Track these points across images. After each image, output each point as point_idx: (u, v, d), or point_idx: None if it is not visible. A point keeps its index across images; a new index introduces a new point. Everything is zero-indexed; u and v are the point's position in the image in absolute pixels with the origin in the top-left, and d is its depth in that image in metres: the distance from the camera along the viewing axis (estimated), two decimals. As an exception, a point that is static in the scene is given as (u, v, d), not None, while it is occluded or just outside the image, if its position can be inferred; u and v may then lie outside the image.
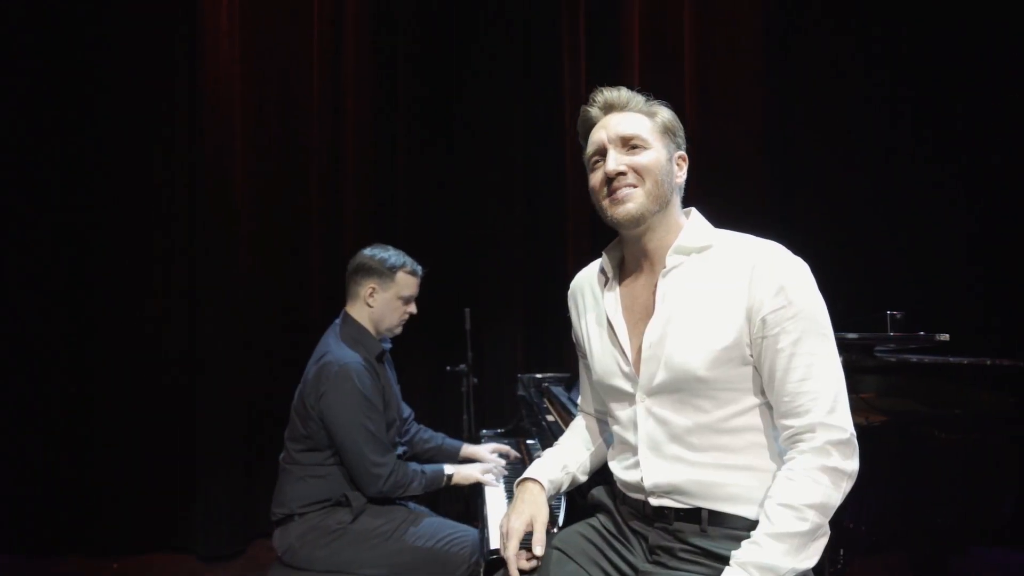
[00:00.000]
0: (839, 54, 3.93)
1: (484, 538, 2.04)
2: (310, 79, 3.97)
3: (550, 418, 2.48)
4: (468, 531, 2.38)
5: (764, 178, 3.93)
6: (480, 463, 2.60)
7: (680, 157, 1.52)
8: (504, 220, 4.10)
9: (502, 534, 1.53)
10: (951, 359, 2.43)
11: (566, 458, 1.68)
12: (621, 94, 1.51)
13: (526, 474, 1.63)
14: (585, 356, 1.67)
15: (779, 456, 1.39)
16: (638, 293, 1.52)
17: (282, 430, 2.49)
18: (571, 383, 2.80)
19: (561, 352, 3.80)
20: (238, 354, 3.79)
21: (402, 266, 2.49)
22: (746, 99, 3.96)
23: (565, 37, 4.11)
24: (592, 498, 1.64)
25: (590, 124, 1.54)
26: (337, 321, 2.54)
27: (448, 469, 2.50)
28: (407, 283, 2.50)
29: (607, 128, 1.48)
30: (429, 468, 2.46)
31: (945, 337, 2.14)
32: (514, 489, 1.63)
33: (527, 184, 4.13)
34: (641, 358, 1.45)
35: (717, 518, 1.38)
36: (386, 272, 2.46)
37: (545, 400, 2.84)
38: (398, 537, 2.33)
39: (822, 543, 1.29)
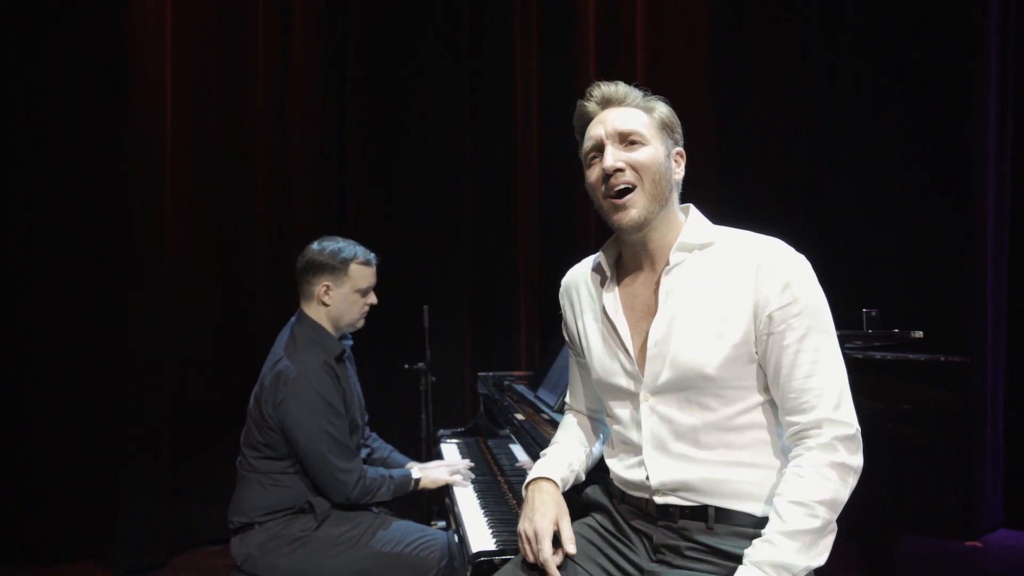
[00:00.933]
0: (786, 37, 4.02)
1: (463, 540, 1.99)
2: (256, 74, 3.80)
3: (520, 417, 2.44)
4: (436, 534, 2.32)
5: (715, 159, 4.00)
6: (445, 463, 2.54)
7: (678, 153, 1.50)
8: (453, 217, 4.04)
9: (527, 537, 1.46)
10: (908, 356, 2.51)
11: (569, 456, 1.64)
12: (619, 89, 1.48)
13: (538, 473, 1.58)
14: (580, 355, 1.64)
15: (782, 452, 1.39)
16: (638, 291, 1.49)
17: (214, 439, 2.37)
18: (534, 382, 2.77)
19: (515, 349, 3.78)
20: (168, 360, 3.60)
21: (354, 257, 2.37)
22: (697, 87, 4.04)
23: (518, 25, 4.08)
24: (586, 497, 1.61)
25: (587, 119, 1.51)
26: (293, 321, 2.43)
27: (415, 472, 2.42)
28: (362, 274, 2.38)
29: (605, 123, 1.45)
30: (396, 472, 2.38)
31: (919, 334, 2.20)
32: (524, 490, 1.58)
33: (477, 179, 4.09)
34: (646, 356, 1.42)
35: (723, 515, 1.37)
36: (338, 266, 2.35)
37: (507, 398, 2.80)
38: (364, 543, 2.24)
39: (831, 540, 1.29)
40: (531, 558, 1.46)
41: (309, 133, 3.90)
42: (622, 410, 1.49)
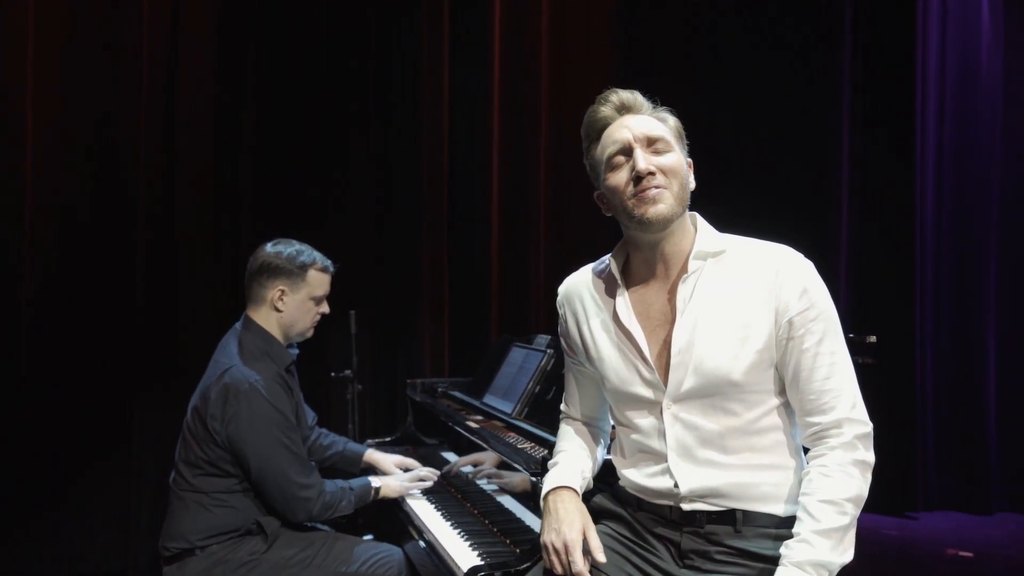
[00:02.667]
0: (685, 37, 4.26)
1: (440, 557, 1.93)
2: (139, 63, 3.46)
3: (473, 424, 2.40)
4: (390, 550, 2.23)
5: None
6: (408, 472, 2.44)
7: (688, 163, 1.54)
8: (360, 219, 3.89)
9: (555, 549, 1.43)
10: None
11: (580, 464, 1.61)
12: (636, 97, 1.49)
13: (558, 483, 1.55)
14: (583, 363, 1.63)
15: (797, 452, 1.45)
16: (652, 299, 1.50)
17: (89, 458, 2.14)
18: (475, 389, 2.72)
19: (441, 355, 3.71)
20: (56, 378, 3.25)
21: (312, 263, 2.24)
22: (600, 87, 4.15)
23: (424, 26, 4.01)
24: (595, 505, 1.60)
25: (603, 124, 1.50)
26: (237, 327, 2.26)
27: (375, 482, 2.31)
28: (319, 281, 2.26)
29: (631, 128, 1.45)
30: (355, 483, 2.27)
31: (873, 339, 2.36)
32: (544, 501, 1.54)
33: (389, 183, 3.97)
34: (670, 364, 1.44)
35: (749, 518, 1.41)
36: (296, 271, 2.21)
37: (447, 405, 2.74)
38: (318, 564, 2.12)
39: (854, 534, 1.36)
40: (559, 570, 1.43)
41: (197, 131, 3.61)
42: (642, 419, 1.49)
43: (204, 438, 2.08)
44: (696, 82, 4.13)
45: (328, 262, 2.30)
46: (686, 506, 1.44)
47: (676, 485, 1.43)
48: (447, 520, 2.15)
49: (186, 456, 2.13)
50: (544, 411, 2.21)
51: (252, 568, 2.07)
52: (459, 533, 2.04)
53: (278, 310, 2.22)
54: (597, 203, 1.57)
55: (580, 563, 1.41)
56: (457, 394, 2.80)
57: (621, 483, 1.60)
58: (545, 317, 4.12)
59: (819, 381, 1.38)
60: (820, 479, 1.35)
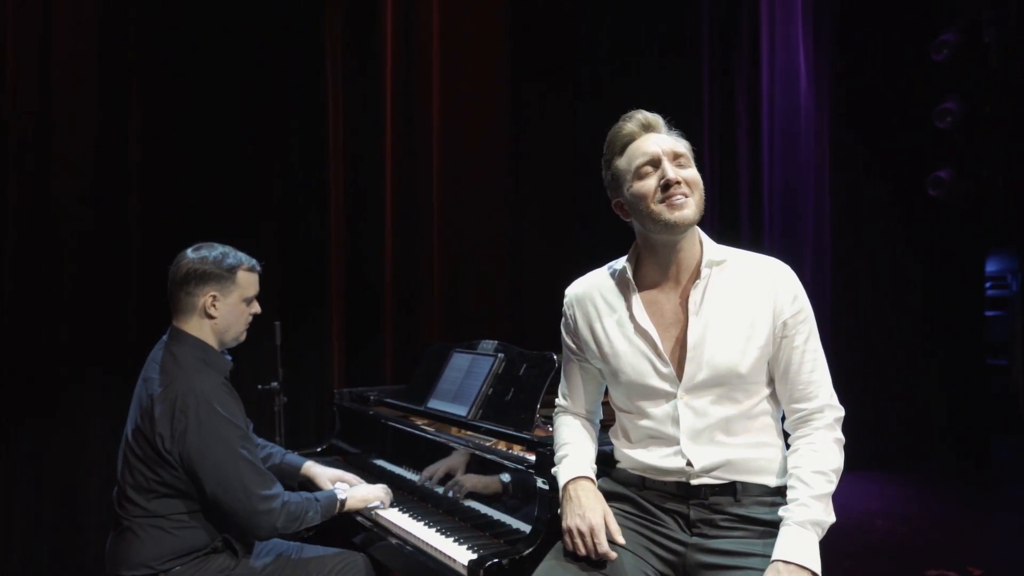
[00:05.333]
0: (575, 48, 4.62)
1: (435, 559, 1.99)
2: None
3: (430, 428, 2.46)
4: (354, 555, 2.23)
5: (509, 163, 4.37)
6: (373, 485, 2.42)
7: None
8: (254, 233, 3.80)
9: (580, 533, 1.57)
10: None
11: (589, 455, 1.76)
12: (658, 118, 1.68)
13: (576, 473, 1.69)
14: (589, 360, 1.79)
15: (780, 433, 1.69)
16: (664, 301, 1.68)
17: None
18: (415, 394, 2.77)
19: (360, 365, 3.69)
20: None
21: (240, 264, 2.17)
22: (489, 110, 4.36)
23: (326, 32, 4.01)
24: (600, 489, 1.74)
25: (628, 139, 1.67)
26: (165, 341, 2.15)
27: (340, 494, 2.29)
28: (249, 281, 2.20)
29: (659, 144, 1.63)
30: (321, 495, 2.23)
31: None
32: (564, 490, 1.68)
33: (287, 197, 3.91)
34: (686, 359, 1.62)
35: (747, 488, 1.62)
36: (225, 274, 2.13)
37: (387, 412, 2.77)
38: (289, 575, 2.10)
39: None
40: (583, 552, 1.58)
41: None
42: (655, 408, 1.67)
43: (154, 460, 1.98)
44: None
45: (254, 261, 2.24)
46: (695, 481, 1.63)
47: (689, 463, 1.62)
48: (420, 521, 2.20)
49: (134, 482, 2.01)
50: (501, 411, 2.33)
51: (223, 585, 2.01)
52: (438, 531, 2.11)
53: (211, 317, 2.13)
54: (615, 211, 1.73)
55: (605, 544, 1.56)
56: (394, 401, 2.83)
57: (621, 466, 1.77)
58: (440, 322, 4.23)
59: (806, 374, 1.63)
60: (810, 454, 1.59)
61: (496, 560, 1.79)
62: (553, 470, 1.79)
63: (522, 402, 2.28)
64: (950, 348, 6.11)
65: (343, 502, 2.26)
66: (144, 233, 3.48)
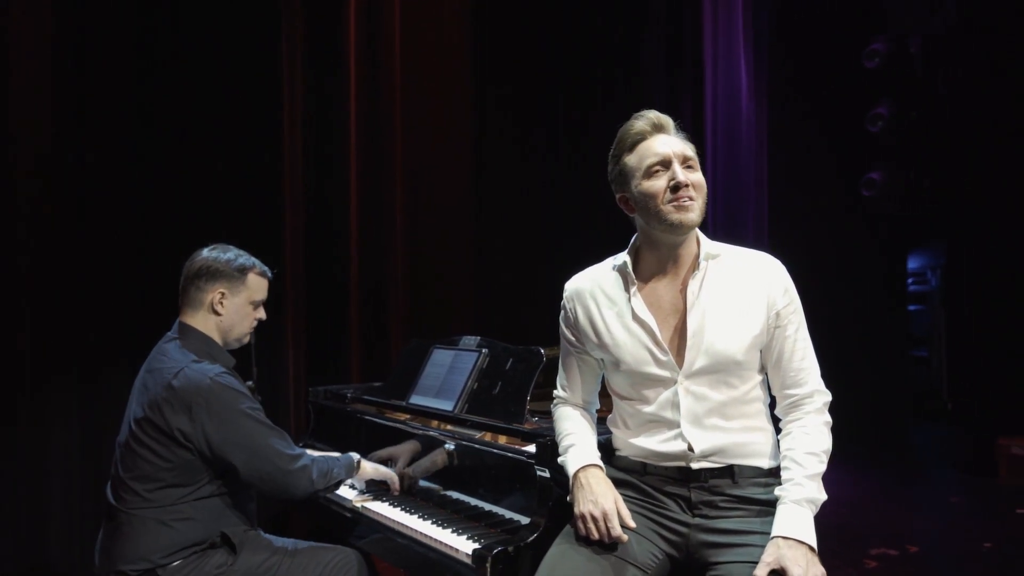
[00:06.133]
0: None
1: (436, 550, 2.04)
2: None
3: (416, 423, 2.50)
4: (346, 550, 2.26)
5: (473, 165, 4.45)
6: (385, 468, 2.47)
7: None
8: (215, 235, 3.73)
9: (594, 518, 1.65)
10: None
11: (592, 442, 1.85)
12: (669, 120, 1.75)
13: (586, 461, 1.77)
14: (587, 352, 1.87)
15: (769, 418, 1.80)
16: (662, 292, 1.77)
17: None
18: (395, 391, 2.79)
19: (325, 363, 3.67)
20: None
21: (252, 267, 2.25)
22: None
23: (285, 31, 3.97)
24: None
25: (639, 138, 1.73)
26: (171, 335, 2.20)
27: (354, 456, 2.34)
28: (259, 286, 2.28)
29: (671, 145, 1.71)
30: (338, 455, 2.29)
31: None
32: (574, 478, 1.76)
33: (241, 187, 3.86)
34: (686, 346, 1.72)
35: (743, 471, 1.73)
36: (235, 275, 2.21)
37: (370, 409, 2.79)
38: (286, 570, 2.11)
39: None
40: (597, 536, 1.66)
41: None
42: (655, 394, 1.75)
43: (166, 446, 2.01)
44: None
45: (266, 267, 2.32)
46: (695, 465, 1.73)
47: (690, 447, 1.72)
48: (413, 514, 2.24)
49: (139, 472, 2.03)
50: (488, 405, 2.38)
51: (222, 582, 2.02)
52: (434, 523, 2.15)
53: (217, 313, 2.20)
54: (619, 204, 1.81)
55: (618, 528, 1.65)
56: (374, 398, 2.85)
57: (621, 453, 1.85)
58: (403, 319, 4.26)
59: (797, 361, 1.75)
60: (802, 436, 1.71)
61: (503, 548, 1.85)
62: (560, 459, 1.86)
63: (510, 395, 2.33)
64: (877, 340, 6.47)
65: (359, 462, 2.32)
66: (99, 237, 3.39)
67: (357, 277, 4.12)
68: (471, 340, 2.69)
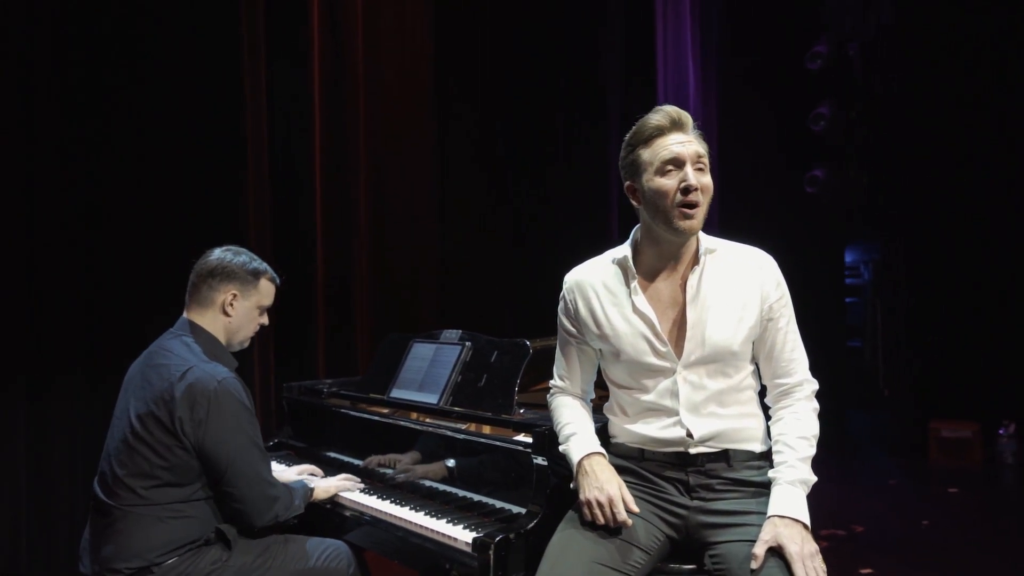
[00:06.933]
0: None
1: (420, 535, 2.10)
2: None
3: (403, 416, 2.51)
4: (337, 543, 2.28)
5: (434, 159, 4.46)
6: (333, 477, 2.46)
7: None
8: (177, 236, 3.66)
9: (600, 503, 1.71)
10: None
11: (593, 431, 1.90)
12: (688, 117, 1.78)
13: (590, 449, 1.83)
14: (587, 342, 1.92)
15: (759, 405, 1.89)
16: (661, 286, 1.84)
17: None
18: (375, 385, 2.78)
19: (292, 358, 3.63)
20: None
21: (265, 272, 2.27)
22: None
23: (244, 27, 3.90)
24: None
25: (655, 132, 1.76)
26: (179, 332, 2.18)
27: (309, 483, 2.33)
28: (268, 291, 2.29)
29: (685, 145, 1.74)
30: (293, 484, 2.28)
31: None
32: (579, 465, 1.81)
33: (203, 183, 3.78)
34: (686, 337, 1.79)
35: (737, 455, 1.81)
36: (249, 278, 2.22)
37: (345, 403, 2.79)
38: (279, 566, 2.12)
39: None
40: (602, 521, 1.72)
41: None
42: (654, 384, 1.82)
43: (166, 444, 1.99)
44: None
45: (275, 274, 2.33)
46: (693, 450, 1.80)
47: (689, 434, 1.79)
48: (405, 506, 2.26)
49: (136, 469, 2.00)
50: (475, 398, 2.40)
51: (216, 578, 2.00)
52: (427, 514, 2.17)
53: (227, 314, 2.20)
54: (626, 193, 1.85)
55: (623, 513, 1.71)
56: (352, 393, 2.84)
57: (618, 440, 1.92)
58: (366, 312, 4.25)
59: (788, 352, 1.84)
60: (794, 422, 1.80)
61: (504, 535, 1.89)
62: (562, 448, 1.91)
63: (498, 387, 2.37)
64: (818, 332, 6.72)
65: (312, 491, 2.32)
66: (48, 239, 3.29)
67: (323, 275, 4.09)
68: (452, 334, 2.71)
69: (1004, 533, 4.31)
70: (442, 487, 2.35)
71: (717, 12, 5.99)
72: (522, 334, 2.54)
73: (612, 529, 1.73)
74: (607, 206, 5.56)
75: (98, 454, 2.15)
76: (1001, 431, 5.78)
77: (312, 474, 2.58)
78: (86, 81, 3.39)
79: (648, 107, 1.85)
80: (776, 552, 1.62)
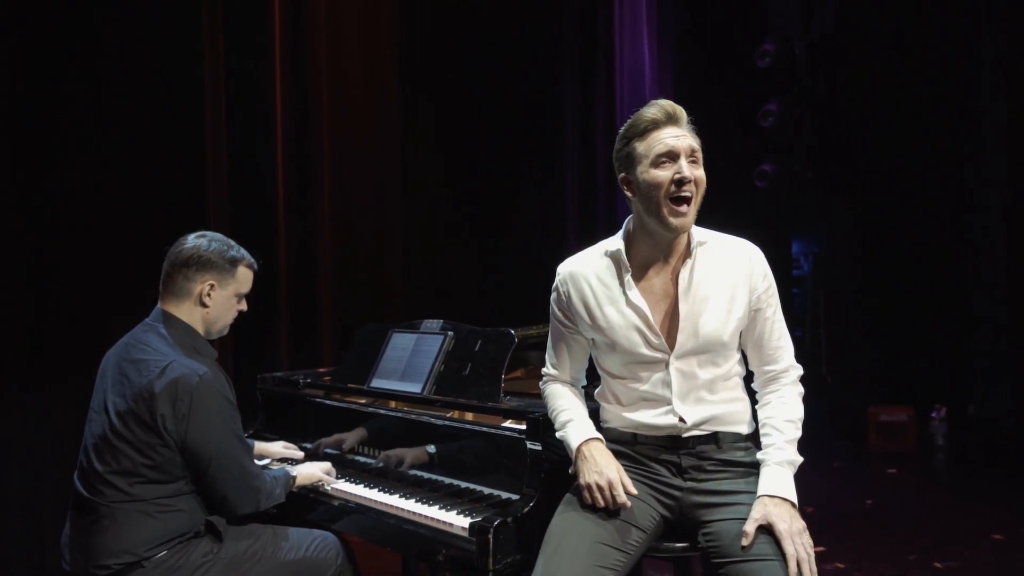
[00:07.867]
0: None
1: (414, 522, 2.12)
2: None
3: (393, 404, 2.53)
4: (326, 534, 2.28)
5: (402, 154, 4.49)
6: (315, 463, 2.46)
7: None
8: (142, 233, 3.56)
9: (599, 487, 1.76)
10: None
11: (587, 416, 1.96)
12: (682, 111, 1.83)
13: (588, 435, 1.88)
14: (580, 332, 1.97)
15: (744, 390, 1.97)
16: (653, 278, 1.89)
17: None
18: (355, 375, 2.77)
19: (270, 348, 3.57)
20: None
21: (242, 260, 2.21)
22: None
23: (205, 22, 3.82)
24: None
25: (651, 125, 1.80)
26: (150, 322, 2.13)
27: (291, 471, 2.33)
28: (246, 279, 2.23)
29: (679, 139, 1.79)
30: (275, 472, 2.27)
31: None
32: (578, 451, 1.86)
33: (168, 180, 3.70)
34: (678, 329, 1.85)
35: (726, 437, 1.89)
36: (226, 267, 2.15)
37: (323, 393, 2.78)
38: (269, 555, 2.11)
39: None
40: (602, 503, 1.77)
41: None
42: (647, 373, 1.88)
43: (149, 442, 1.95)
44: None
45: (253, 259, 2.27)
46: (685, 434, 1.87)
47: (682, 420, 1.86)
48: (394, 494, 2.28)
49: (118, 467, 1.96)
50: (460, 387, 2.42)
51: (208, 569, 1.99)
52: (417, 501, 2.20)
53: (204, 305, 2.14)
54: (621, 184, 1.90)
55: (623, 495, 1.77)
56: (330, 383, 2.83)
57: (610, 425, 1.98)
58: (331, 306, 4.22)
59: (775, 340, 1.92)
60: (781, 406, 1.89)
61: (502, 519, 1.92)
62: (559, 434, 1.96)
63: (483, 376, 2.39)
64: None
65: (294, 478, 2.31)
66: (10, 230, 3.18)
67: (285, 266, 4.05)
68: (433, 323, 2.71)
69: (939, 508, 4.57)
70: (427, 475, 2.37)
71: (673, 7, 6.10)
72: (489, 323, 2.57)
73: (610, 511, 1.78)
74: (562, 197, 5.66)
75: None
76: (933, 415, 6.10)
77: (290, 459, 2.58)
78: (44, 73, 3.26)
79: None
80: (766, 529, 1.71)
